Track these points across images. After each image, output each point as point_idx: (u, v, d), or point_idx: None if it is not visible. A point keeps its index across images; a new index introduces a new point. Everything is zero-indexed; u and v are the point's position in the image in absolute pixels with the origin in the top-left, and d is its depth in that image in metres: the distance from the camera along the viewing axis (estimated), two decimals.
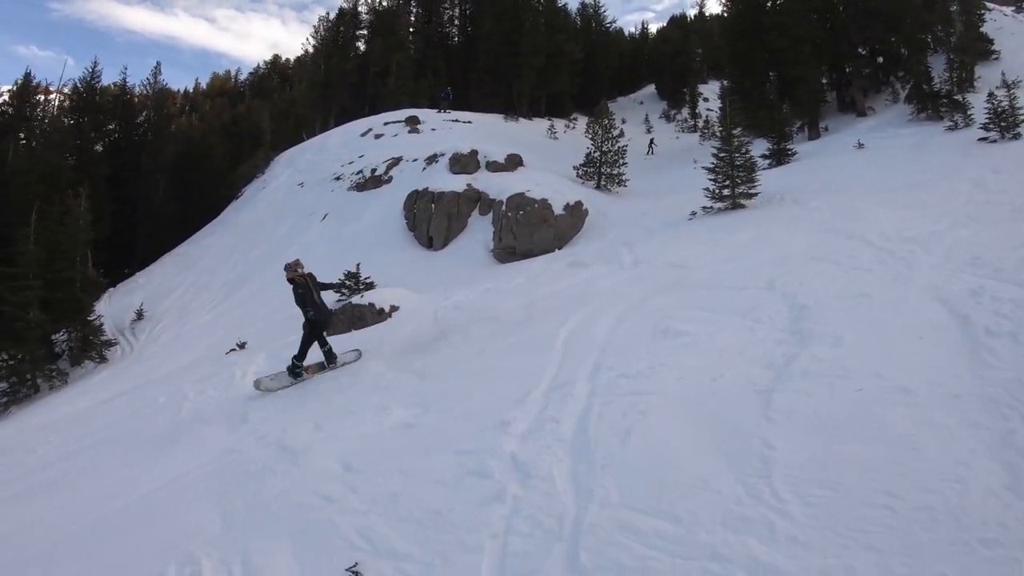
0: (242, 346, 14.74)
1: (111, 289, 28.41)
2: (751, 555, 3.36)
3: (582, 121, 41.35)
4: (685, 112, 45.49)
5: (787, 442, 4.35)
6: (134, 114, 43.04)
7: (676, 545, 3.59)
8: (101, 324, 22.29)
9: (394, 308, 13.50)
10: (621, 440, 4.95)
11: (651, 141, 35.02)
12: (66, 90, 40.66)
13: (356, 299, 13.98)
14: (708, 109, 43.51)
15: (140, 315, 23.58)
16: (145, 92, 45.05)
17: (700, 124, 39.30)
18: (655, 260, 12.15)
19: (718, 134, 23.89)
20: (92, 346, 21.43)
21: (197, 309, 23.05)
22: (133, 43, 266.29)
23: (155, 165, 39.55)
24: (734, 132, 17.59)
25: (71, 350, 21.68)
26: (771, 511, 3.69)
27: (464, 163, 22.80)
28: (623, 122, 39.90)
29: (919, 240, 8.76)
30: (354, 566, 4.31)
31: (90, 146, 38.44)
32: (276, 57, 75.20)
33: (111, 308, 24.95)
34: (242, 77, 75.78)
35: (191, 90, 65.61)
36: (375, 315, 13.32)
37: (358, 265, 16.86)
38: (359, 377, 9.17)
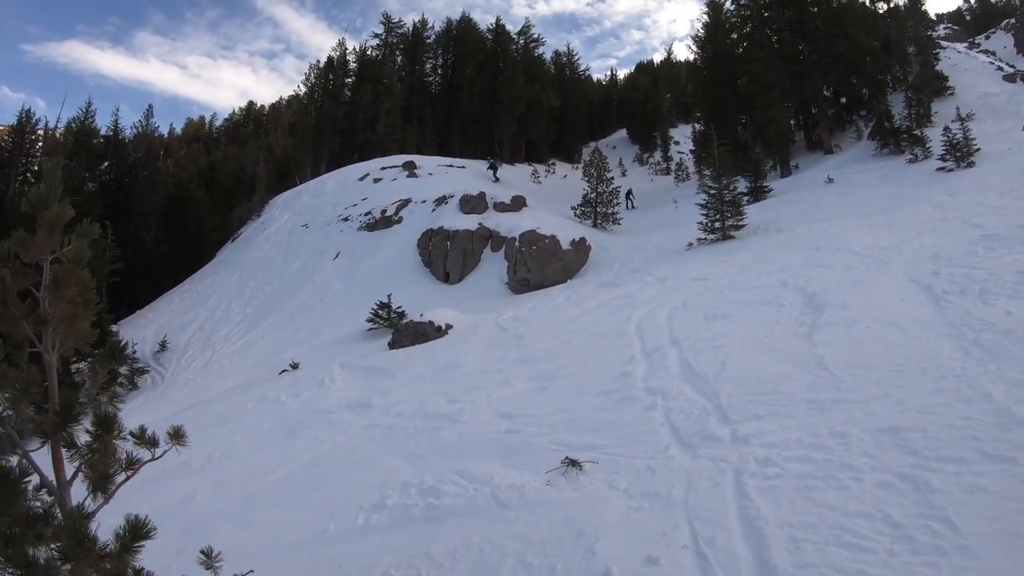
0: (295, 366, 16.84)
1: (113, 326, 30.01)
2: (832, 397, 6.34)
3: (560, 166, 45.10)
4: (657, 155, 49.33)
5: (830, 353, 7.41)
6: (126, 157, 45.15)
7: (785, 401, 6.52)
8: (135, 352, 24.07)
9: (449, 326, 16.12)
10: (720, 367, 7.91)
11: (629, 194, 32.90)
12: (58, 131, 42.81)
13: (416, 318, 16.57)
14: (679, 152, 47.35)
15: (163, 346, 25.41)
16: (137, 134, 47.42)
17: (673, 167, 42.89)
18: (678, 277, 15.12)
19: (702, 175, 27.13)
20: (116, 375, 23.03)
21: (221, 340, 25.02)
22: (104, 87, 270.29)
23: (145, 207, 41.46)
24: (716, 172, 20.32)
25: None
26: (833, 380, 6.70)
27: (474, 204, 25.78)
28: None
29: (892, 247, 12.02)
30: (565, 458, 6.25)
31: (82, 186, 40.25)
32: (251, 104, 78.19)
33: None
34: (217, 123, 78.49)
35: (166, 135, 67.77)
36: (435, 331, 15.94)
37: (389, 296, 19.49)
38: (464, 371, 11.63)
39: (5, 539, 2.68)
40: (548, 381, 9.49)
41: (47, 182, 3.03)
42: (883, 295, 9.24)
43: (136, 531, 2.73)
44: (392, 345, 16.11)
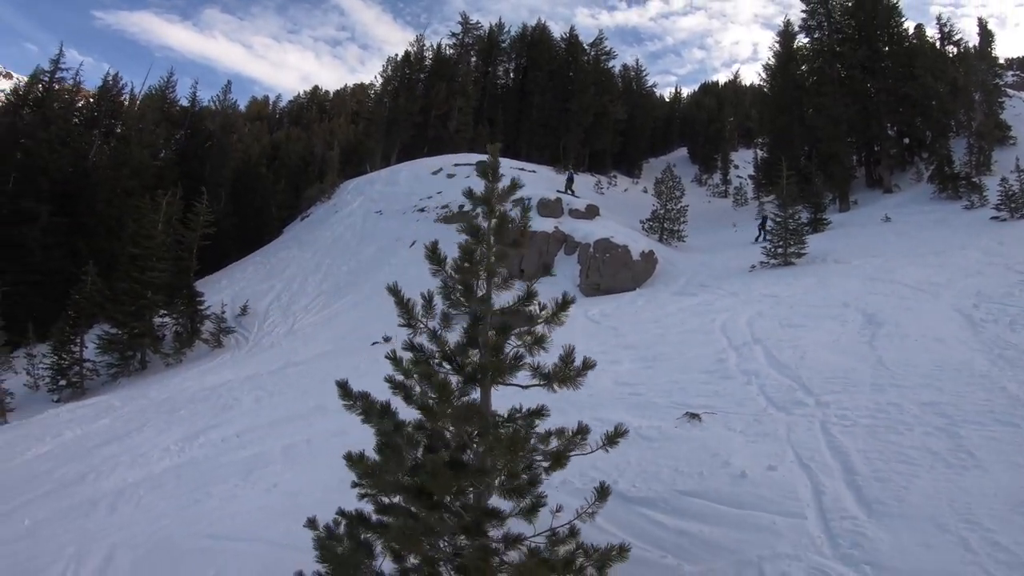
0: (387, 339, 19.38)
1: None
2: (888, 383, 8.93)
3: (621, 179, 47.68)
4: (716, 177, 51.64)
5: (887, 355, 10.03)
6: (202, 127, 48.84)
7: (854, 384, 9.12)
8: (224, 312, 26.92)
9: None
10: (799, 359, 10.53)
11: (764, 223, 27.60)
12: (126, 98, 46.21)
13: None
14: (738, 176, 49.72)
15: (244, 310, 28.27)
16: (208, 107, 51.13)
17: (732, 190, 45.18)
18: (749, 292, 17.61)
19: (762, 202, 29.21)
20: (199, 332, 25.97)
21: (301, 311, 27.86)
22: (171, 59, 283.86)
23: (216, 178, 44.64)
24: (783, 201, 22.57)
25: (178, 334, 25.94)
26: (890, 373, 9.30)
27: (551, 208, 28.38)
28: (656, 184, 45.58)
29: (941, 284, 14.48)
30: (685, 412, 9.03)
31: (159, 152, 43.82)
32: (316, 88, 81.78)
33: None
34: (281, 104, 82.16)
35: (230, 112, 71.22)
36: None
37: None
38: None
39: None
40: (652, 363, 12.14)
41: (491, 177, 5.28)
42: (931, 319, 11.77)
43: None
44: None
